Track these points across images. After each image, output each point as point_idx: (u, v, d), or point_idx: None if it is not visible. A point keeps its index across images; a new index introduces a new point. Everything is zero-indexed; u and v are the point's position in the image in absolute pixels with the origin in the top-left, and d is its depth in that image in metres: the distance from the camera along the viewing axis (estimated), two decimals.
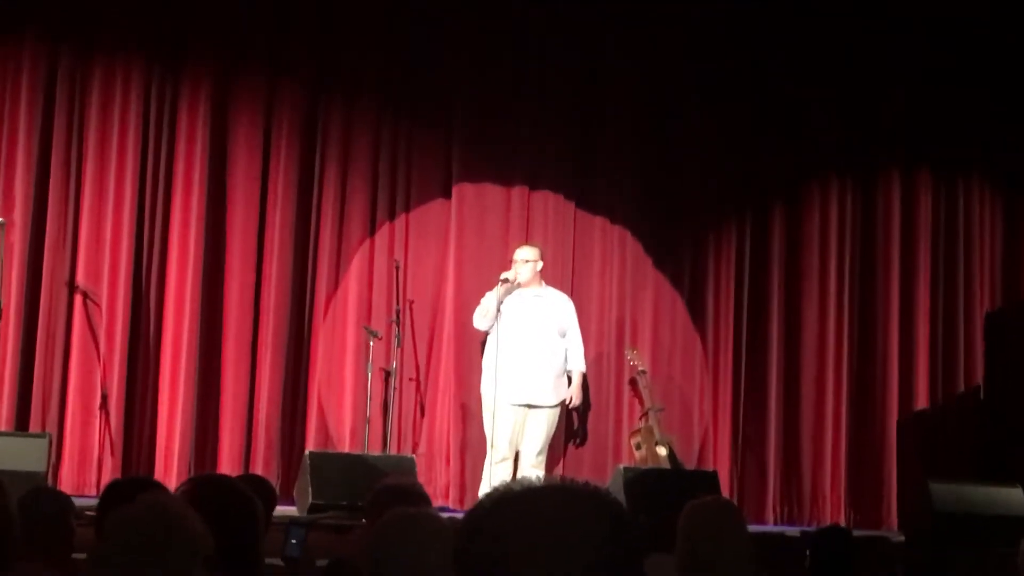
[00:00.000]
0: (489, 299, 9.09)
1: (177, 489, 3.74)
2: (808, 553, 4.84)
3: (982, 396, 10.51)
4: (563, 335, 9.26)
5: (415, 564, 2.90)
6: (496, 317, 9.04)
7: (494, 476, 8.84)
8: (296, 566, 4.96)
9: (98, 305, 8.99)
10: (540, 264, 9.25)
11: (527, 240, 9.64)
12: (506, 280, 9.07)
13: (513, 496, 1.63)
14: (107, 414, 8.87)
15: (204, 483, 3.53)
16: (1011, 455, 10.22)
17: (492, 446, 9.01)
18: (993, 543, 6.76)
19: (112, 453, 8.87)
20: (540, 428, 9.06)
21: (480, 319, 9.14)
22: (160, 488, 3.81)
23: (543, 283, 9.31)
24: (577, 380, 9.28)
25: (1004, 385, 10.53)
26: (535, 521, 1.60)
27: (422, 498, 4.50)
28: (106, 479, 8.64)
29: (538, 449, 9.04)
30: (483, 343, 9.34)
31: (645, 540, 1.64)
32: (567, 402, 9.27)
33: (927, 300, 10.50)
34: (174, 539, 2.67)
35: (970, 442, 10.32)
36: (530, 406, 9.04)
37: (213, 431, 9.22)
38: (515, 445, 9.00)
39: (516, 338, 9.02)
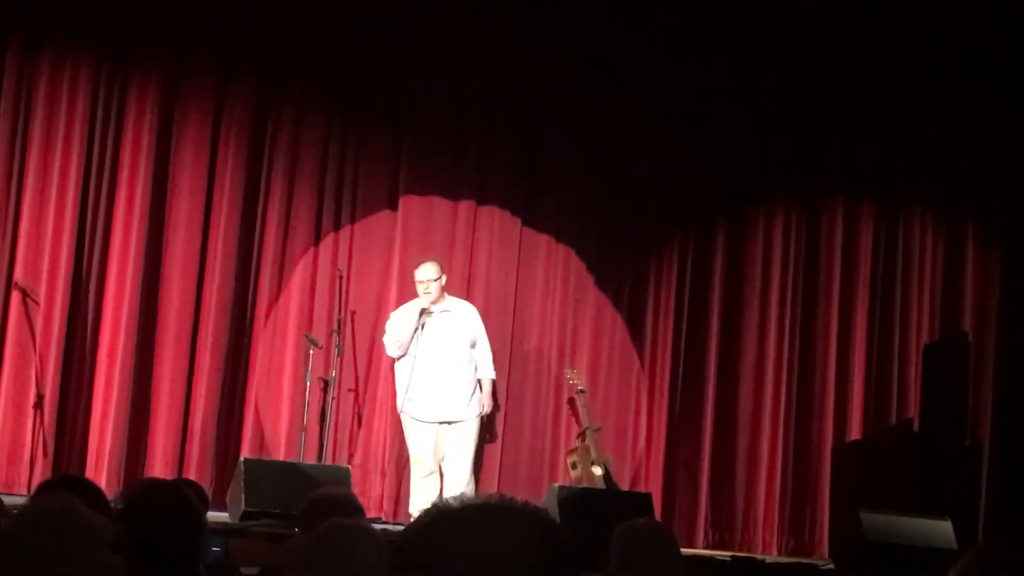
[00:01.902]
0: (402, 330, 8.98)
1: (122, 492, 3.72)
2: None
3: (915, 428, 10.60)
4: (473, 346, 9.21)
5: (348, 575, 2.89)
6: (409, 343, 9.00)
7: (422, 491, 8.81)
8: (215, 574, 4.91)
9: (37, 303, 8.90)
10: (444, 278, 9.15)
11: (472, 255, 9.64)
12: (425, 311, 8.99)
13: (450, 513, 1.64)
14: (41, 413, 8.78)
15: (144, 487, 3.52)
16: (942, 488, 10.32)
17: (415, 462, 8.98)
18: (921, 574, 6.81)
19: (44, 452, 8.78)
20: (464, 442, 9.01)
21: (392, 347, 9.04)
22: (85, 487, 3.77)
23: (447, 296, 9.22)
24: (488, 387, 9.23)
25: (938, 418, 10.62)
26: (471, 538, 1.61)
27: (356, 509, 4.48)
28: (37, 478, 8.56)
29: (466, 463, 8.98)
30: (393, 361, 9.29)
31: (580, 559, 1.64)
32: (481, 409, 9.20)
33: (864, 329, 10.58)
34: (64, 534, 2.69)
35: (902, 473, 10.40)
36: (450, 423, 9.00)
37: (147, 434, 9.15)
38: (438, 460, 8.97)
39: (430, 356, 8.95)
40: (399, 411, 9.08)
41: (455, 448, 8.98)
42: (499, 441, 9.62)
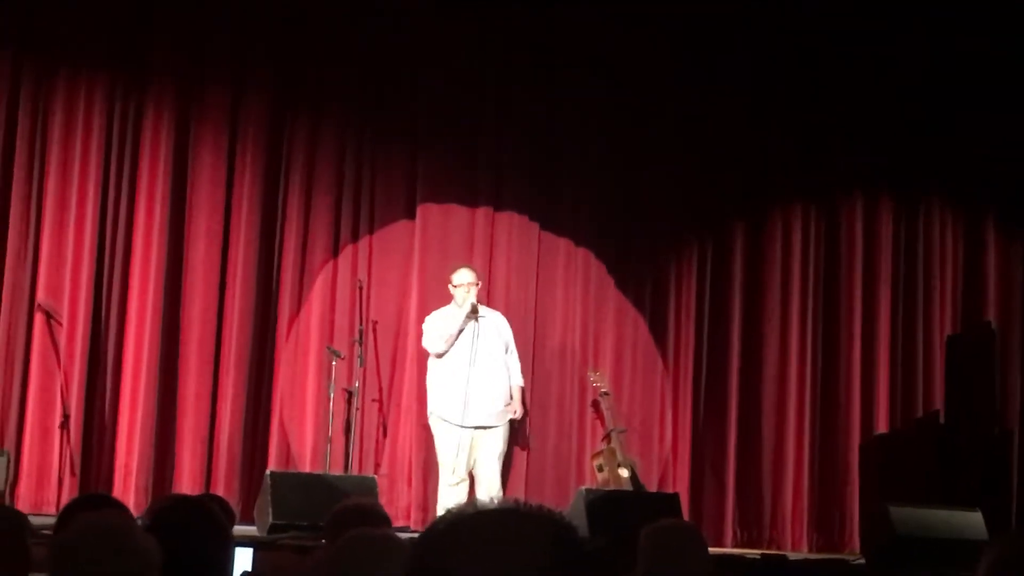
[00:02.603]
0: (450, 324, 9.03)
1: (146, 509, 3.73)
2: None
3: (941, 420, 10.56)
4: (506, 352, 9.24)
5: None
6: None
7: (450, 498, 8.82)
8: None
9: (60, 323, 8.93)
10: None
11: (491, 262, 9.64)
12: (475, 309, 9.03)
13: (465, 518, 1.64)
14: (67, 432, 8.81)
15: (171, 503, 3.52)
16: (971, 479, 10.27)
17: (446, 468, 8.97)
18: (953, 567, 6.78)
19: (71, 471, 8.81)
20: (494, 447, 9.04)
21: (439, 343, 9.04)
22: (113, 506, 3.78)
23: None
24: (518, 395, 9.26)
25: (964, 409, 10.57)
26: (486, 543, 1.61)
27: (383, 519, 4.48)
28: (65, 497, 8.58)
29: (497, 469, 9.02)
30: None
31: (597, 564, 1.64)
32: (512, 415, 9.22)
33: (888, 324, 10.55)
34: (121, 557, 2.66)
35: (930, 466, 10.35)
36: (486, 427, 9.01)
37: (173, 450, 9.17)
38: (469, 466, 8.97)
39: (469, 360, 8.98)
40: (430, 415, 9.06)
41: (487, 454, 8.99)
42: (525, 446, 9.60)
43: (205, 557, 3.19)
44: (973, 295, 10.79)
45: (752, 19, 10.40)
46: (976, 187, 10.83)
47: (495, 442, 9.03)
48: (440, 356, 9.07)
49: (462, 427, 8.94)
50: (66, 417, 8.81)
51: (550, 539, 1.62)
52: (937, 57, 10.61)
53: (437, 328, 9.07)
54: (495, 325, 9.20)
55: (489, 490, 8.91)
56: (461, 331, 9.01)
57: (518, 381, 9.28)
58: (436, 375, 9.09)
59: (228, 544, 3.38)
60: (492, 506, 1.65)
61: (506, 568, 1.58)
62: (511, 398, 9.19)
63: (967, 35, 10.50)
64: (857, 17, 10.46)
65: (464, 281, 9.10)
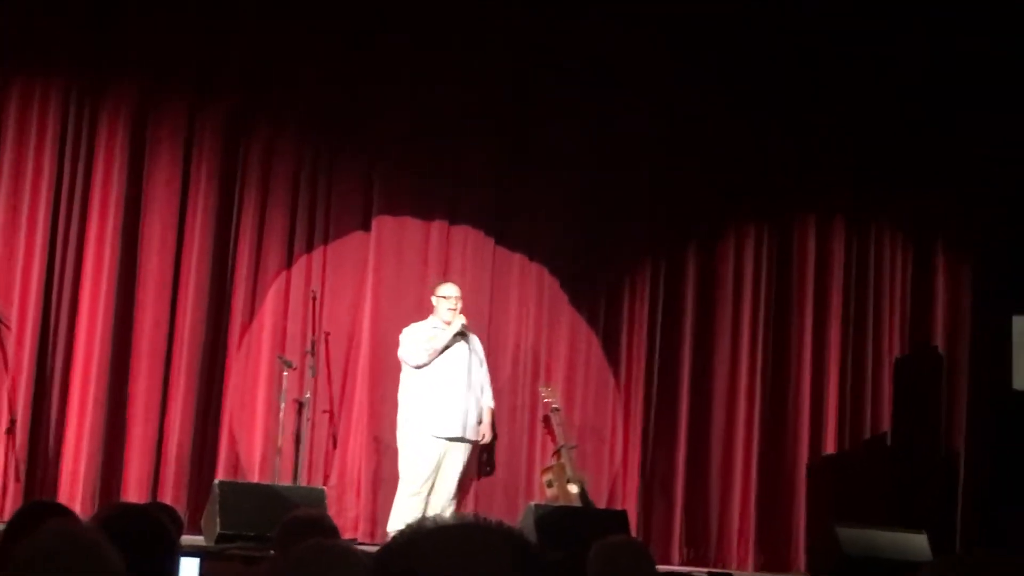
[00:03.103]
0: (436, 338, 9.01)
1: (92, 516, 3.69)
2: None
3: (889, 441, 10.64)
4: (480, 368, 9.27)
5: None
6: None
7: (405, 509, 8.80)
8: None
9: (8, 327, 8.86)
10: None
11: (445, 275, 9.64)
12: (465, 328, 9.06)
13: (425, 532, 1.65)
14: (13, 438, 8.73)
15: (118, 511, 3.49)
16: (918, 500, 10.35)
17: (409, 480, 8.95)
18: None
19: (17, 478, 8.73)
20: (459, 463, 9.04)
21: (422, 355, 8.99)
22: (68, 514, 3.75)
23: None
24: (488, 417, 9.28)
25: (912, 430, 10.66)
26: (445, 557, 1.62)
27: (332, 530, 4.47)
28: (9, 504, 8.51)
29: (455, 484, 9.02)
30: (400, 377, 9.28)
31: (554, 575, 1.65)
32: (481, 438, 9.25)
33: (838, 345, 10.62)
34: (89, 568, 2.63)
35: (877, 487, 10.43)
36: (461, 440, 9.00)
37: (121, 457, 9.11)
38: (430, 481, 8.96)
39: (449, 375, 9.00)
40: (403, 425, 9.02)
41: (450, 468, 8.99)
42: (474, 461, 9.59)
43: (151, 566, 3.16)
44: (922, 318, 10.88)
45: (711, 40, 10.47)
46: (926, 211, 10.93)
47: (460, 458, 9.04)
48: (419, 368, 9.04)
49: (439, 438, 8.92)
50: (12, 422, 8.73)
51: (510, 553, 1.63)
52: (892, 79, 10.71)
53: (418, 340, 9.05)
54: (472, 342, 9.24)
55: (442, 504, 8.90)
56: (447, 347, 9.02)
57: (489, 403, 9.30)
58: (414, 387, 9.05)
59: (174, 553, 3.36)
60: (452, 520, 1.67)
61: None
62: (480, 419, 9.20)
63: (924, 63, 10.63)
64: (814, 41, 10.56)
65: (452, 294, 9.13)
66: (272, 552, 4.61)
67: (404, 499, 8.90)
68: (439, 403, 8.95)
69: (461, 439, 9.02)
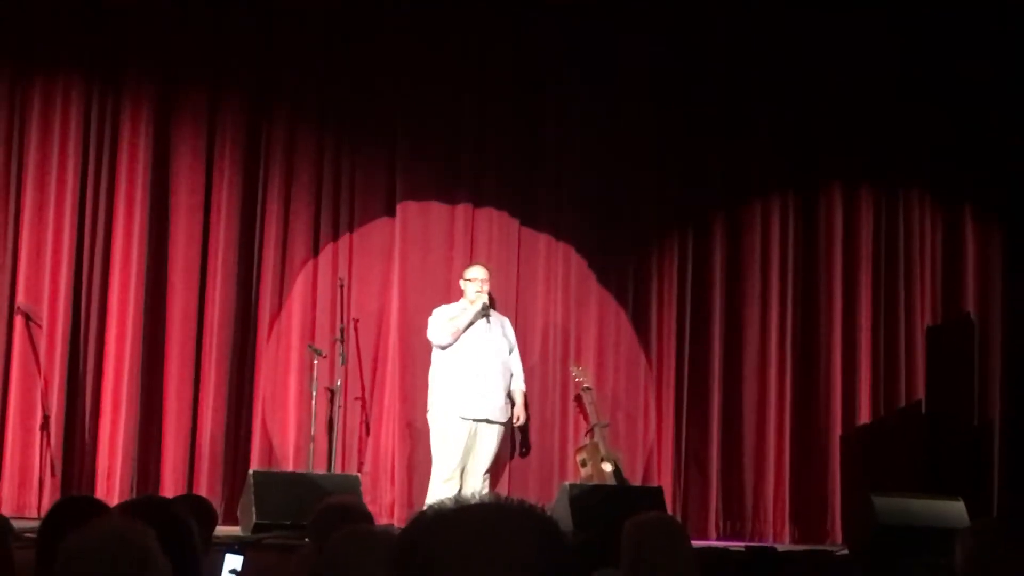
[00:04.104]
0: (460, 319, 9.02)
1: (115, 507, 3.69)
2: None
3: (923, 409, 10.59)
4: (510, 353, 9.26)
5: None
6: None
7: (440, 495, 8.79)
8: None
9: (39, 325, 8.91)
10: None
11: (471, 259, 9.64)
12: (486, 307, 9.05)
13: (447, 513, 1.65)
14: (48, 435, 8.78)
15: (139, 507, 3.49)
16: (953, 468, 10.31)
17: (441, 464, 8.95)
18: (935, 555, 6.81)
19: (52, 474, 8.78)
20: (491, 445, 9.03)
21: (446, 335, 9.00)
22: (100, 511, 3.76)
23: None
24: (521, 400, 9.28)
25: (946, 398, 10.61)
26: (467, 538, 1.61)
27: (365, 516, 4.49)
28: (47, 500, 8.57)
29: (486, 467, 9.01)
30: (430, 360, 9.28)
31: (579, 558, 1.65)
32: (516, 421, 9.25)
33: (869, 314, 10.57)
34: (138, 571, 2.62)
35: (912, 455, 10.39)
36: (488, 421, 8.99)
37: (156, 450, 9.16)
38: (463, 463, 8.96)
39: (475, 355, 8.99)
40: (432, 408, 9.03)
41: (482, 452, 8.97)
42: (507, 443, 9.59)
43: (172, 560, 3.14)
44: (953, 285, 10.82)
45: (730, 10, 10.43)
46: (954, 177, 10.86)
47: (491, 440, 9.02)
48: (444, 348, 9.04)
49: (466, 420, 8.92)
50: (46, 418, 8.79)
51: (533, 534, 1.63)
52: (917, 41, 10.63)
53: (444, 321, 9.06)
54: (503, 325, 9.23)
55: (475, 487, 8.91)
56: (470, 325, 9.01)
57: (520, 386, 9.28)
58: (441, 369, 9.05)
59: (194, 546, 3.35)
60: (474, 501, 1.66)
61: (491, 562, 1.59)
62: (510, 400, 9.19)
63: (949, 30, 10.55)
64: (838, 8, 10.50)
65: (478, 276, 9.12)
66: (307, 540, 4.62)
67: (438, 485, 8.89)
68: (466, 384, 8.94)
69: (488, 420, 9.01)
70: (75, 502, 4.17)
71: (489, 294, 9.18)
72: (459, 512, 1.64)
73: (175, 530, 3.26)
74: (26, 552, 4.16)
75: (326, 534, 4.27)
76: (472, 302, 9.06)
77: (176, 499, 5.32)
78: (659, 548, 3.81)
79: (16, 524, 4.37)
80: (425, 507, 1.68)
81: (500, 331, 9.18)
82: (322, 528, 4.38)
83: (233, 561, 5.05)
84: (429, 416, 9.08)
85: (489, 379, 9.00)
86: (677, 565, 3.79)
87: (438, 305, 9.23)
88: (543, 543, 1.62)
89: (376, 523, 4.67)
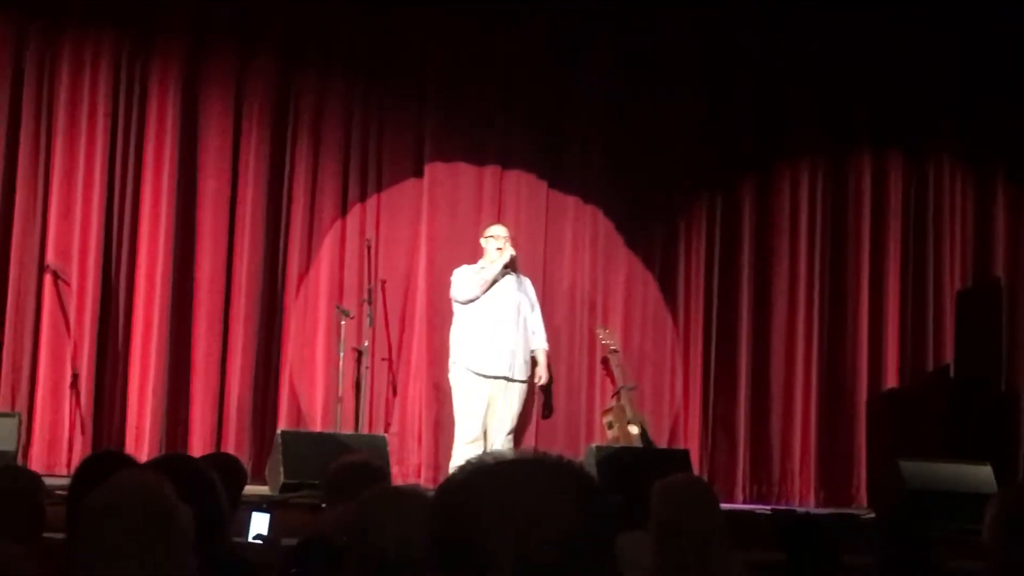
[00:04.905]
0: (486, 272, 9.01)
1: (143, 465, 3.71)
2: (788, 545, 4.83)
3: (951, 374, 10.56)
4: (532, 311, 9.25)
5: (401, 539, 2.88)
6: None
7: (465, 456, 8.77)
8: (266, 551, 4.92)
9: (68, 284, 8.95)
10: None
11: (499, 220, 9.63)
12: (514, 259, 9.05)
13: (486, 468, 1.64)
14: (77, 393, 8.84)
15: (164, 463, 3.51)
16: (981, 433, 10.28)
17: (463, 424, 8.97)
18: (963, 521, 6.79)
19: (82, 432, 8.84)
20: (513, 404, 9.04)
21: (473, 288, 8.98)
22: (134, 464, 3.78)
23: None
24: (544, 359, 9.28)
25: (974, 364, 10.57)
26: (507, 492, 1.61)
27: (379, 472, 4.47)
28: (76, 458, 8.61)
29: (509, 427, 9.03)
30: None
31: (616, 512, 1.64)
32: (538, 380, 9.26)
33: (897, 279, 10.53)
34: (163, 528, 2.63)
35: (939, 420, 10.36)
36: (508, 380, 8.99)
37: (184, 410, 9.20)
38: (486, 423, 8.96)
39: (496, 313, 8.99)
40: (453, 366, 9.04)
41: (504, 412, 8.98)
42: (536, 403, 9.61)
43: (201, 519, 3.15)
44: (983, 251, 10.76)
45: None
46: (986, 141, 10.78)
47: (513, 399, 9.04)
48: (469, 303, 9.02)
49: (487, 377, 8.92)
50: (75, 377, 8.84)
51: (573, 488, 1.62)
52: (948, 8, 10.53)
53: (470, 275, 9.06)
54: (523, 283, 9.22)
55: (499, 447, 8.91)
56: (495, 281, 9.01)
57: (543, 344, 9.28)
58: (463, 326, 9.06)
59: (219, 502, 3.36)
60: (512, 456, 1.65)
61: (531, 516, 1.58)
62: (531, 359, 9.19)
63: None
64: None
65: (500, 234, 9.12)
66: (324, 505, 4.61)
67: (461, 447, 8.91)
68: (485, 342, 8.94)
69: (507, 378, 9.00)
70: (104, 457, 4.19)
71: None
72: (498, 467, 1.63)
73: (200, 487, 3.28)
74: (56, 508, 4.19)
75: (341, 493, 4.28)
76: (494, 260, 9.05)
77: (205, 457, 5.35)
78: (688, 510, 3.80)
79: (46, 482, 4.40)
80: (464, 463, 1.68)
81: (521, 290, 9.16)
82: (337, 487, 4.39)
83: (260, 520, 5.07)
84: (450, 375, 9.09)
85: (509, 337, 8.99)
86: (707, 526, 3.79)
87: (461, 266, 9.22)
88: (582, 498, 1.62)
89: (402, 483, 4.68)
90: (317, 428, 9.18)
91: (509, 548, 1.57)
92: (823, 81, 10.56)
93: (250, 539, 5.06)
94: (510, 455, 1.66)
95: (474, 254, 9.33)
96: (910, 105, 10.65)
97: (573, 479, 1.63)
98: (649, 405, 9.88)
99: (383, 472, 4.51)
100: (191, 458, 4.15)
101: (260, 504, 6.22)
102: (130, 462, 3.90)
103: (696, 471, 9.22)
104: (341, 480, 4.40)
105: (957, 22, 10.55)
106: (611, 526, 1.63)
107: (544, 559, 1.57)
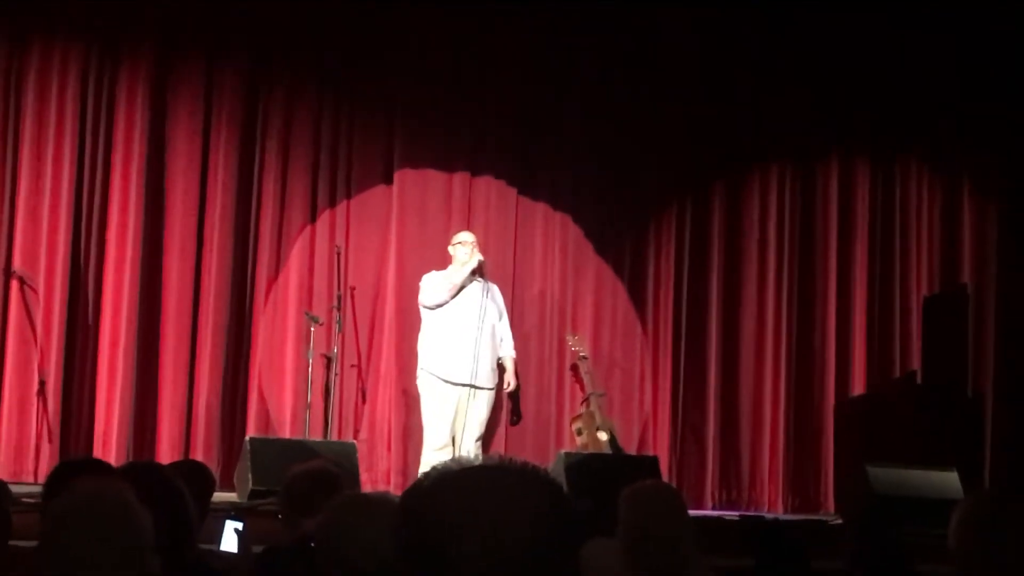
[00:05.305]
0: (454, 277, 9.01)
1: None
2: (757, 550, 4.85)
3: (918, 380, 10.61)
4: (499, 319, 9.25)
5: (370, 546, 2.89)
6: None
7: (433, 463, 8.76)
8: (238, 560, 4.89)
9: (35, 291, 8.90)
10: None
11: (468, 227, 9.63)
12: (482, 264, 9.06)
13: (451, 475, 1.65)
14: (44, 400, 8.79)
15: (135, 472, 3.49)
16: (947, 439, 10.34)
17: (432, 431, 8.96)
18: (929, 526, 6.83)
19: (49, 440, 8.78)
20: (481, 412, 9.04)
21: (442, 293, 8.98)
22: (103, 471, 3.76)
23: None
24: (511, 366, 9.28)
25: (940, 369, 10.63)
26: (473, 498, 1.61)
27: (336, 480, 4.42)
28: (43, 466, 8.58)
29: (477, 434, 9.02)
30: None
31: (582, 518, 1.65)
32: (506, 387, 9.26)
33: (864, 285, 10.59)
34: (122, 531, 2.64)
35: (906, 426, 10.41)
36: (474, 387, 8.98)
37: (152, 416, 9.16)
38: (454, 430, 8.96)
39: (463, 319, 8.98)
40: (421, 372, 9.04)
41: (472, 419, 8.96)
42: (504, 410, 9.62)
43: (166, 524, 3.14)
44: (949, 257, 10.83)
45: None
46: (952, 148, 10.85)
47: (481, 406, 9.03)
48: (437, 307, 9.01)
49: (454, 384, 8.92)
50: (42, 384, 8.78)
51: (538, 495, 1.63)
52: (914, 13, 10.58)
53: (439, 279, 9.05)
54: (491, 291, 9.21)
55: (469, 455, 8.91)
56: (463, 287, 9.01)
57: (511, 352, 9.28)
58: (430, 332, 9.06)
59: (186, 510, 3.35)
60: (478, 462, 1.66)
61: (496, 523, 1.59)
62: (498, 366, 9.19)
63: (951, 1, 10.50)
64: None
65: (468, 240, 9.13)
66: (280, 516, 4.57)
67: (430, 453, 8.91)
68: (451, 348, 8.94)
69: (472, 385, 8.99)
70: (76, 464, 4.17)
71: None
72: (464, 473, 1.64)
73: (167, 494, 3.27)
74: (22, 517, 4.17)
75: (298, 502, 4.25)
76: (464, 264, 9.06)
77: (173, 464, 5.32)
78: (657, 516, 3.81)
79: (13, 489, 4.38)
80: (429, 469, 1.68)
81: (489, 297, 9.15)
82: (295, 496, 4.35)
83: (231, 529, 5.04)
84: (418, 381, 9.09)
85: (476, 344, 8.97)
86: (675, 532, 3.80)
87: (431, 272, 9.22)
88: (549, 503, 1.62)
89: (371, 490, 4.66)
90: (286, 435, 9.15)
91: (475, 554, 1.57)
92: (791, 86, 10.59)
93: (222, 549, 5.04)
94: (476, 461, 1.67)
95: (443, 261, 9.33)
96: (878, 112, 10.71)
97: (538, 485, 1.64)
98: (618, 411, 9.90)
99: (339, 480, 4.45)
100: (158, 465, 4.13)
101: (229, 512, 6.19)
102: (105, 468, 3.88)
103: (665, 477, 9.24)
104: (297, 489, 4.37)
105: (927, 31, 10.61)
106: (577, 532, 1.64)
107: (509, 565, 1.57)
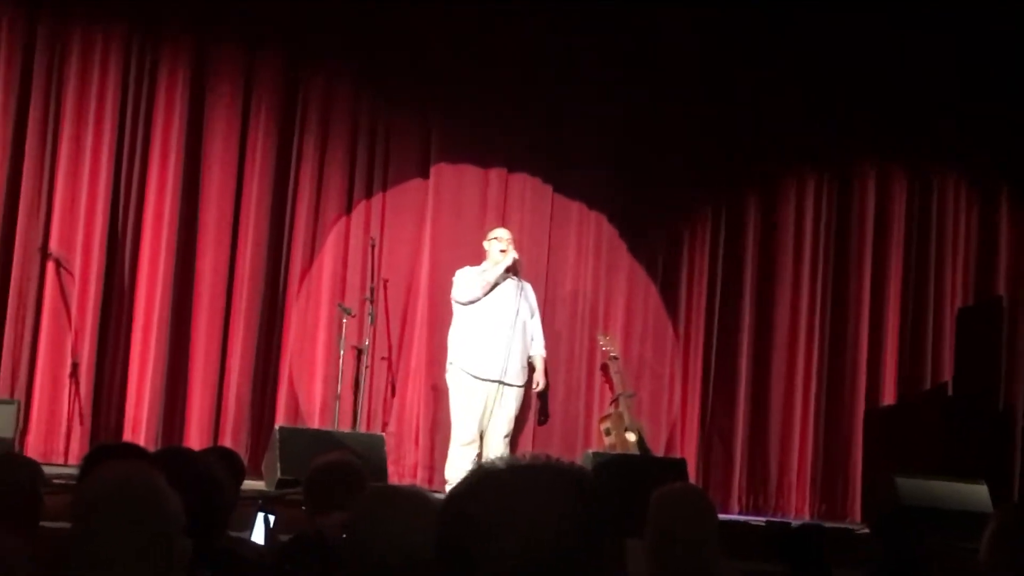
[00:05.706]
0: (488, 274, 9.02)
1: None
2: (785, 551, 4.84)
3: (950, 392, 10.56)
4: (531, 317, 9.25)
5: (398, 539, 2.89)
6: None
7: (459, 458, 8.80)
8: (266, 550, 4.91)
9: (71, 273, 8.95)
10: None
11: (503, 223, 9.63)
12: (517, 263, 9.06)
13: (496, 473, 1.65)
14: (77, 382, 8.84)
15: (170, 457, 3.51)
16: (976, 451, 10.28)
17: (459, 426, 8.96)
18: (958, 539, 6.80)
19: (81, 421, 8.84)
20: (509, 409, 9.04)
21: (475, 289, 8.98)
22: (140, 457, 3.78)
23: None
24: (541, 365, 9.27)
25: (972, 382, 10.57)
26: (517, 498, 1.62)
27: (359, 473, 4.41)
28: (74, 447, 8.64)
29: (505, 431, 9.02)
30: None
31: (617, 522, 1.65)
32: (535, 386, 9.25)
33: (898, 294, 10.54)
34: (152, 515, 2.65)
35: (937, 437, 10.36)
36: (503, 383, 8.98)
37: (182, 402, 9.20)
38: (482, 426, 8.96)
39: (495, 316, 8.99)
40: (450, 367, 9.04)
41: (501, 415, 8.97)
42: (533, 408, 9.62)
43: (200, 510, 3.15)
44: (985, 267, 10.77)
45: None
46: (990, 159, 10.79)
47: (510, 403, 9.03)
48: (469, 304, 9.02)
49: (484, 380, 8.93)
50: (75, 366, 8.84)
51: (582, 495, 1.63)
52: (954, 23, 10.52)
53: (473, 276, 9.06)
54: (524, 289, 9.21)
55: (496, 451, 8.91)
56: (497, 284, 9.01)
57: (541, 351, 9.27)
58: (461, 327, 9.06)
59: (224, 497, 3.37)
60: (517, 461, 1.66)
61: (538, 521, 1.59)
62: (528, 364, 9.18)
63: (991, 10, 10.42)
64: None
65: (503, 236, 9.14)
66: (304, 508, 4.56)
67: (457, 448, 8.91)
68: (482, 344, 8.94)
69: (501, 382, 8.98)
70: (113, 447, 4.19)
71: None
72: (507, 472, 1.64)
73: (202, 480, 3.28)
74: (54, 497, 4.19)
75: (320, 494, 4.25)
76: (497, 263, 9.06)
77: (205, 451, 5.34)
78: (686, 519, 3.81)
79: (44, 470, 4.40)
80: (454, 471, 1.69)
81: (521, 295, 9.15)
82: (318, 488, 4.35)
83: (260, 521, 5.05)
84: (448, 376, 9.10)
85: (506, 341, 8.97)
86: (703, 535, 3.79)
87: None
88: (588, 505, 1.63)
89: (398, 482, 4.66)
90: (315, 425, 9.18)
91: (514, 553, 1.58)
92: (829, 94, 10.55)
93: (252, 539, 5.05)
94: (520, 460, 1.67)
95: (477, 256, 9.33)
96: (915, 119, 10.65)
97: (582, 485, 1.64)
98: (647, 413, 9.88)
99: (361, 473, 4.44)
100: (193, 451, 4.15)
101: (257, 500, 6.22)
102: (140, 452, 3.90)
103: (692, 480, 9.22)
104: (318, 482, 4.37)
105: (962, 37, 10.54)
106: (616, 533, 1.64)
107: (545, 564, 1.58)
